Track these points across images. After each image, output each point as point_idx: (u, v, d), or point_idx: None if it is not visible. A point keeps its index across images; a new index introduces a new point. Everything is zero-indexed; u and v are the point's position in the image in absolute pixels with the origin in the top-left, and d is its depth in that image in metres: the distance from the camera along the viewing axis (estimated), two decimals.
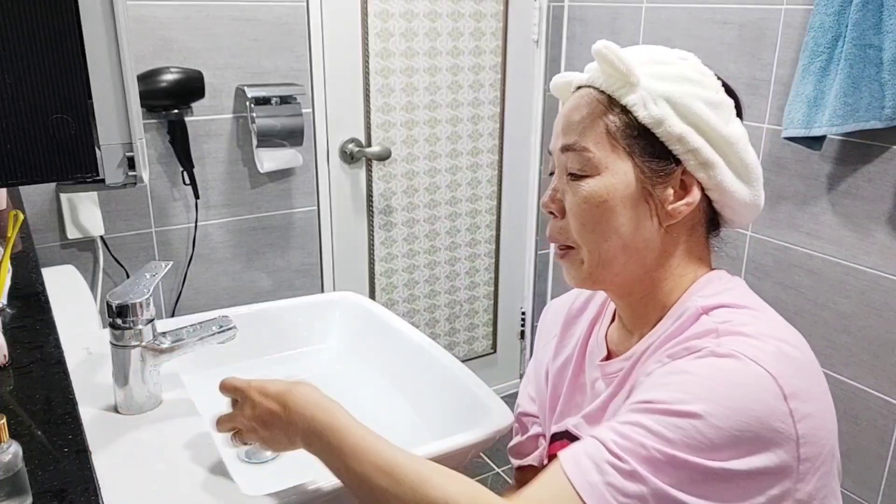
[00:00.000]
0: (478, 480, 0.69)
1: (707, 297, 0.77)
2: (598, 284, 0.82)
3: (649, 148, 0.76)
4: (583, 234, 0.78)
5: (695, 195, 0.77)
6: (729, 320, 0.72)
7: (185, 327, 1.06)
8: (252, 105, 1.83)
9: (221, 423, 0.89)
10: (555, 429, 0.92)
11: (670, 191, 0.77)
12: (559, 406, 0.92)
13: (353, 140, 2.10)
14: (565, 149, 0.79)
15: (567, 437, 0.87)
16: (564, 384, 0.92)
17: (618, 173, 0.77)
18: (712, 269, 0.82)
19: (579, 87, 0.81)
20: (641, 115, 0.76)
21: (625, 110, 0.76)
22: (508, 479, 2.29)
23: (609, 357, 0.86)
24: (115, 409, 1.03)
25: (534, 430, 0.98)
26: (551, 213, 0.81)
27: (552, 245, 0.83)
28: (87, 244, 1.79)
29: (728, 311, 0.74)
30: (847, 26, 1.48)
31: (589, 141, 0.77)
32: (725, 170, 0.77)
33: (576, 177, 0.78)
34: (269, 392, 0.83)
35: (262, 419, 0.83)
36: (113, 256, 1.81)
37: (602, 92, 0.78)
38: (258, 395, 0.83)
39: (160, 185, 1.84)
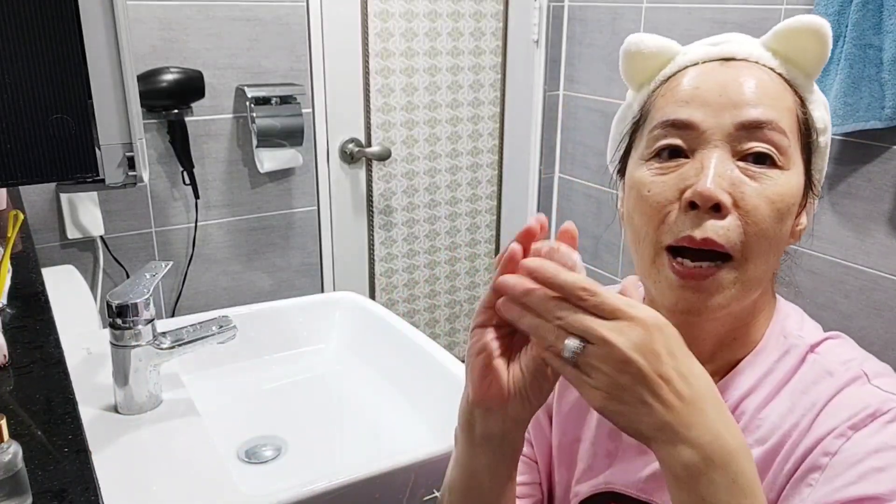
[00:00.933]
0: None
1: (799, 329, 0.67)
2: (725, 313, 0.62)
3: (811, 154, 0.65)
4: (760, 243, 0.60)
5: (805, 217, 0.67)
6: (853, 357, 0.63)
7: (185, 327, 1.06)
8: (252, 105, 1.83)
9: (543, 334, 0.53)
10: (588, 488, 0.73)
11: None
12: (585, 457, 0.74)
13: (353, 140, 2.10)
14: (756, 125, 0.60)
15: (614, 499, 0.71)
16: (587, 431, 0.75)
17: (799, 174, 0.62)
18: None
19: (729, 60, 0.64)
20: (817, 114, 0.65)
21: (803, 104, 0.64)
22: None
23: None
24: (115, 409, 1.03)
25: (528, 476, 0.79)
26: (714, 207, 0.58)
27: (684, 263, 0.61)
28: (87, 244, 1.79)
29: (833, 343, 0.66)
30: (847, 26, 1.48)
31: (786, 125, 0.61)
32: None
33: (768, 162, 0.60)
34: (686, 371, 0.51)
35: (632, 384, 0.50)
36: (113, 256, 1.81)
37: (779, 75, 0.64)
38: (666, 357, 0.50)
39: (160, 185, 1.84)
